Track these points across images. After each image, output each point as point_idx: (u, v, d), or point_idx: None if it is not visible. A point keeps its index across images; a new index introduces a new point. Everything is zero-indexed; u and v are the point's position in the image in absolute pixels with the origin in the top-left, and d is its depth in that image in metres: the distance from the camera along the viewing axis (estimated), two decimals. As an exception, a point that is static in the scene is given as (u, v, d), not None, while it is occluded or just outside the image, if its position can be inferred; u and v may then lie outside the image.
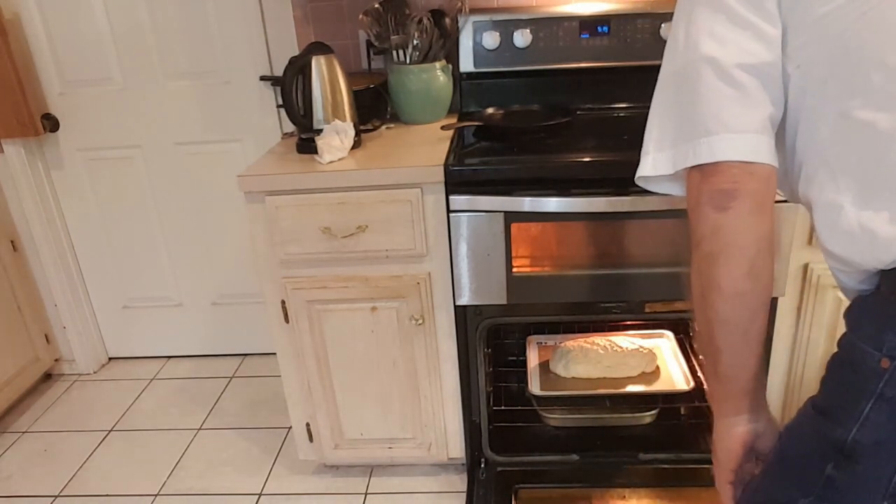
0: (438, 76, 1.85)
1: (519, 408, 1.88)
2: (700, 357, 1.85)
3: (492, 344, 1.93)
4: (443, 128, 1.74)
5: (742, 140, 0.75)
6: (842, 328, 0.75)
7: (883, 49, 0.69)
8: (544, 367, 1.87)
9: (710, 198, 0.76)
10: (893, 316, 0.69)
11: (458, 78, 1.92)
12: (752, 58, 0.75)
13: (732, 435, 0.83)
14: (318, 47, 1.64)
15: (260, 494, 1.90)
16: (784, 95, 0.77)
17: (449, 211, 1.51)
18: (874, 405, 0.67)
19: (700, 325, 0.82)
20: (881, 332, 0.68)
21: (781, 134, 0.80)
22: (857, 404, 0.68)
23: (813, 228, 0.85)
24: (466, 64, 1.90)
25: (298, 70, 1.62)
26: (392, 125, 1.89)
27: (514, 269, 1.54)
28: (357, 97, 1.71)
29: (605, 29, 1.83)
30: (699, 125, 0.76)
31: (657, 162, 0.82)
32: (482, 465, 1.79)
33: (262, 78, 2.12)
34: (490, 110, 1.86)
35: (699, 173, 0.77)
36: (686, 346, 1.95)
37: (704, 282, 0.78)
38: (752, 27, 0.75)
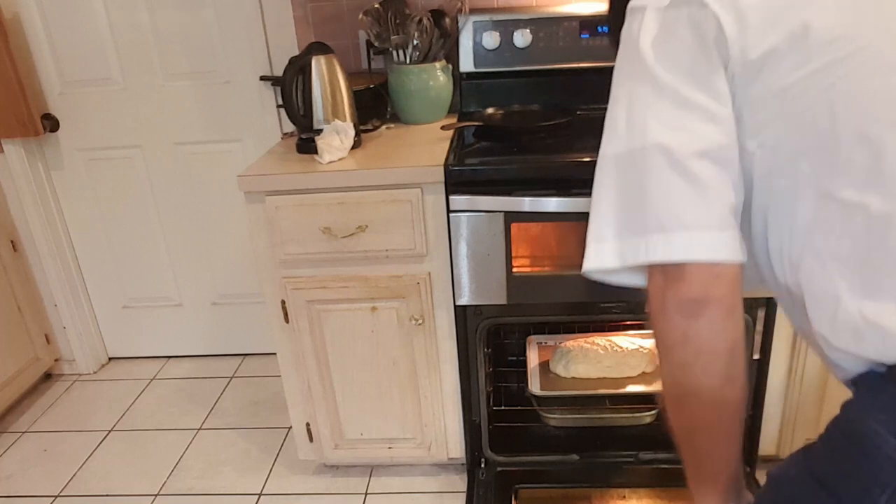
0: (438, 76, 1.85)
1: (519, 408, 1.88)
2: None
3: (492, 344, 1.93)
4: (443, 128, 1.74)
5: (703, 238, 0.68)
6: None
7: (861, 122, 0.63)
8: (544, 367, 1.87)
9: (678, 306, 0.69)
10: None
11: (458, 78, 1.92)
12: (706, 142, 0.69)
13: None
14: (318, 47, 1.64)
15: (260, 494, 1.90)
16: (745, 179, 0.71)
17: (449, 211, 1.51)
18: (890, 500, 0.60)
19: (677, 428, 0.77)
20: None
21: (746, 219, 0.73)
22: (867, 493, 0.61)
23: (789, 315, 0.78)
24: (466, 64, 1.90)
25: (298, 70, 1.62)
26: (392, 125, 1.89)
27: (514, 269, 1.54)
28: (357, 97, 1.71)
29: (606, 29, 1.83)
30: (651, 219, 0.70)
31: (601, 253, 0.74)
32: (482, 465, 1.79)
33: (262, 78, 2.12)
34: (490, 110, 1.86)
35: (661, 276, 0.70)
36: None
37: (680, 390, 0.74)
38: (701, 108, 0.69)
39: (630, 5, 0.78)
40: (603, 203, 0.75)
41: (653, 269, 0.71)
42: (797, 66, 0.66)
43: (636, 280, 0.76)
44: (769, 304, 1.56)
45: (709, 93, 0.69)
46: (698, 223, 0.68)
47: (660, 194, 0.69)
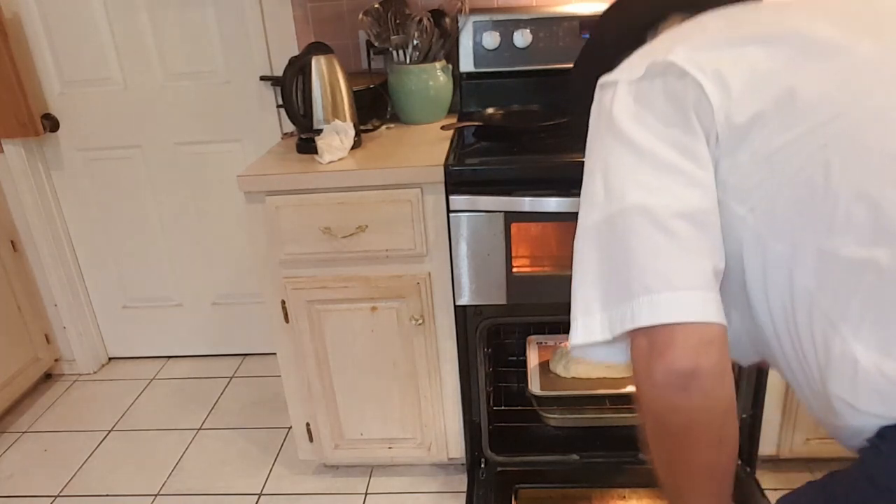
0: (438, 76, 1.85)
1: (519, 408, 1.88)
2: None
3: (492, 344, 1.93)
4: (443, 128, 1.74)
5: (690, 299, 0.65)
6: None
7: (860, 180, 0.61)
8: (544, 367, 1.87)
9: (667, 378, 0.65)
10: None
11: (458, 78, 1.92)
12: (687, 205, 0.67)
13: None
14: (318, 47, 1.64)
15: (260, 494, 1.90)
16: (734, 245, 0.69)
17: (449, 211, 1.51)
18: None
19: (666, 487, 0.75)
20: None
21: (742, 288, 0.71)
22: None
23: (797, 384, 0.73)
24: (466, 64, 1.90)
25: (298, 70, 1.62)
26: (392, 125, 1.89)
27: (514, 269, 1.54)
28: (357, 97, 1.71)
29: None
30: (635, 283, 0.66)
31: (589, 326, 0.70)
32: (482, 465, 1.79)
33: (262, 78, 2.12)
34: (490, 110, 1.86)
35: (647, 342, 0.66)
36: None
37: (671, 457, 0.71)
38: (681, 173, 0.68)
39: (600, 81, 0.77)
40: (587, 275, 0.72)
41: (638, 336, 0.67)
42: (786, 128, 0.65)
43: (615, 356, 0.72)
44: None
45: (688, 158, 0.68)
46: (684, 283, 0.65)
47: (643, 256, 0.67)
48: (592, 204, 0.73)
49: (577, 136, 0.88)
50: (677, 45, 0.72)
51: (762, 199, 0.66)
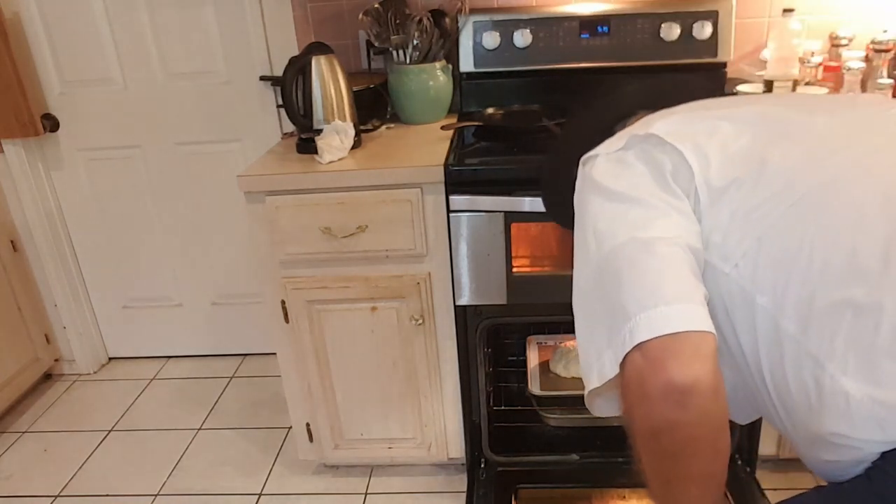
0: (438, 76, 1.85)
1: (519, 408, 1.88)
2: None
3: (492, 344, 1.92)
4: (443, 128, 1.74)
5: (682, 309, 0.66)
6: None
7: (832, 230, 0.66)
8: (544, 367, 1.87)
9: (664, 395, 0.65)
10: None
11: (458, 78, 1.92)
12: (676, 235, 0.71)
13: None
14: (318, 47, 1.64)
15: (260, 494, 1.90)
16: (717, 301, 0.72)
17: (449, 211, 1.51)
18: None
19: (658, 496, 0.75)
20: None
21: (728, 350, 0.75)
22: None
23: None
24: (466, 64, 1.90)
25: (298, 70, 1.62)
26: (392, 125, 1.89)
27: (514, 269, 1.54)
28: (357, 97, 1.71)
29: (605, 29, 1.83)
30: (630, 304, 0.68)
31: (602, 369, 0.71)
32: (482, 465, 1.79)
33: (262, 78, 2.12)
34: (490, 110, 1.86)
35: (642, 359, 0.66)
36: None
37: (666, 471, 0.72)
38: (670, 212, 0.72)
39: (582, 159, 0.83)
40: (590, 324, 0.74)
41: (632, 355, 0.67)
42: (761, 189, 0.70)
43: (615, 409, 0.74)
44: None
45: (670, 204, 0.73)
46: (677, 297, 0.67)
47: (635, 278, 0.69)
48: (587, 258, 0.76)
49: (554, 219, 1.00)
50: (655, 121, 0.79)
51: (743, 256, 0.70)
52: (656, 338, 0.65)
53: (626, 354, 0.67)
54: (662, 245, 0.70)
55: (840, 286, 0.65)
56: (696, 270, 0.71)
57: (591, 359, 0.73)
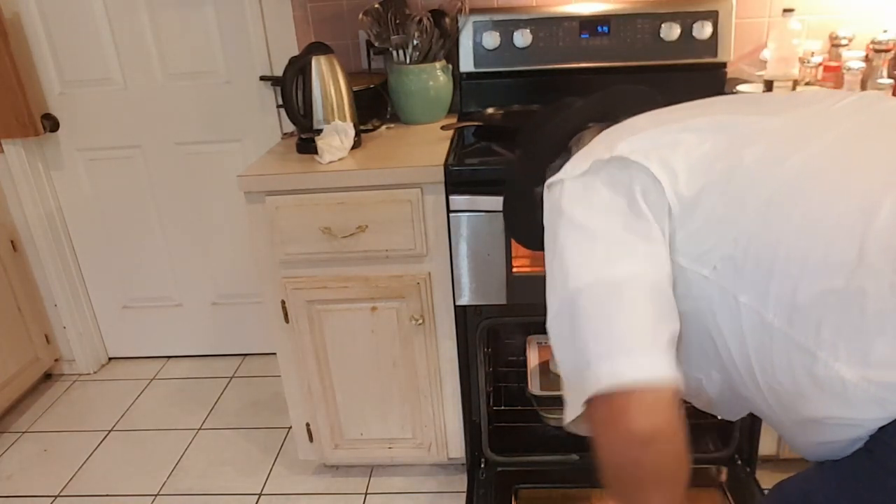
0: (438, 76, 1.85)
1: (519, 408, 1.88)
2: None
3: (492, 344, 1.92)
4: (443, 128, 1.74)
5: (643, 359, 0.69)
6: None
7: (809, 229, 0.68)
8: (544, 367, 1.87)
9: (626, 440, 0.69)
10: None
11: (458, 78, 1.92)
12: (639, 276, 0.72)
13: None
14: (318, 47, 1.64)
15: (260, 494, 1.90)
16: (699, 305, 0.74)
17: (449, 211, 1.51)
18: None
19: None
20: None
21: (715, 352, 0.76)
22: None
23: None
24: (466, 64, 1.90)
25: (298, 70, 1.62)
26: (392, 125, 1.89)
27: (514, 269, 1.54)
28: (357, 97, 1.71)
29: (605, 29, 1.83)
30: (592, 352, 0.71)
31: (569, 407, 0.75)
32: (482, 465, 1.79)
33: (262, 78, 2.12)
34: (490, 110, 1.86)
35: (605, 406, 0.70)
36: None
37: (630, 496, 0.75)
38: (634, 249, 0.74)
39: (547, 182, 0.84)
40: (564, 356, 0.77)
41: (596, 402, 0.70)
42: (729, 194, 0.72)
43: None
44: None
45: (637, 235, 0.74)
46: (639, 345, 0.70)
47: (598, 324, 0.72)
48: (554, 290, 0.78)
49: (515, 237, 1.05)
50: (617, 142, 0.79)
51: (721, 258, 0.72)
52: (618, 388, 0.68)
53: (592, 403, 0.71)
54: (627, 289, 0.72)
55: (820, 278, 0.66)
56: (664, 307, 0.73)
57: (565, 389, 0.77)
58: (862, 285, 0.64)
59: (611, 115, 0.90)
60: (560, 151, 0.91)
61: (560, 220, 0.79)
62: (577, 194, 0.79)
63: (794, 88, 1.67)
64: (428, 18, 1.80)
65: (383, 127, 1.87)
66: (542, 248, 0.84)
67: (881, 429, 0.67)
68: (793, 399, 0.71)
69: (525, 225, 0.98)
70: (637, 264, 0.73)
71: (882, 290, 0.63)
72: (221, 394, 2.38)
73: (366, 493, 1.86)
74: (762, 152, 0.73)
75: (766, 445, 1.71)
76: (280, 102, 1.83)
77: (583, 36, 1.84)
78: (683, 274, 0.75)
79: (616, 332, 0.71)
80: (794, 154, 0.72)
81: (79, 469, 2.06)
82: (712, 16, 1.79)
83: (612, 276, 0.73)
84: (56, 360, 2.54)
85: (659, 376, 0.69)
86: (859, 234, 0.65)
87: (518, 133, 1.08)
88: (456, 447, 1.81)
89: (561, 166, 0.85)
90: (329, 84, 1.63)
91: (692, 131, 0.78)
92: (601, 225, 0.76)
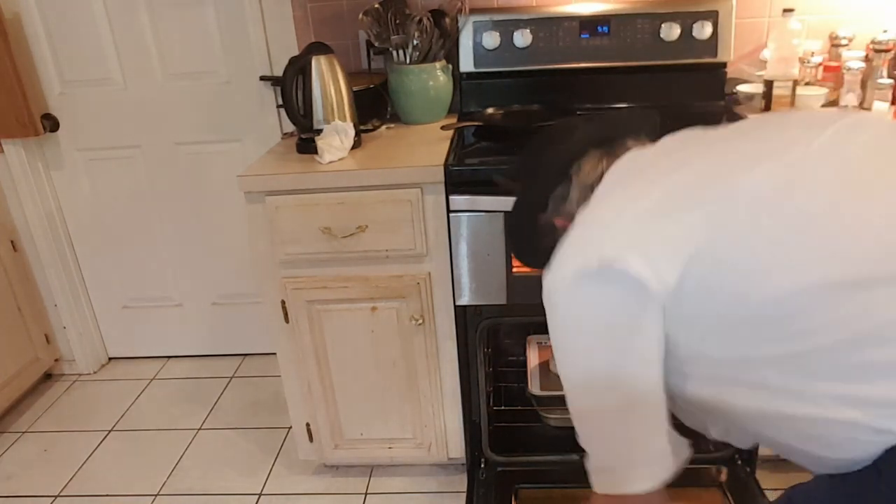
0: (438, 76, 1.85)
1: (519, 408, 1.88)
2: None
3: (492, 344, 1.92)
4: (443, 128, 1.74)
5: (653, 471, 0.82)
6: None
7: (792, 282, 0.70)
8: (544, 367, 1.87)
9: (621, 500, 0.84)
10: None
11: (458, 78, 1.92)
12: (653, 375, 0.80)
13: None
14: (318, 47, 1.64)
15: (260, 494, 1.90)
16: (701, 368, 0.80)
17: (449, 211, 1.51)
18: None
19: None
20: None
21: (730, 394, 0.80)
22: None
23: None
24: (466, 64, 1.90)
25: (298, 70, 1.62)
26: (392, 125, 1.89)
27: (514, 269, 1.54)
28: (357, 97, 1.71)
29: (605, 29, 1.83)
30: (611, 458, 0.89)
31: (594, 482, 0.92)
32: (482, 465, 1.79)
33: (262, 78, 2.12)
34: (490, 110, 1.86)
35: (615, 499, 0.85)
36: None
37: None
38: (643, 346, 0.79)
39: (544, 282, 0.85)
40: (590, 424, 0.94)
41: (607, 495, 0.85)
42: (713, 271, 0.73)
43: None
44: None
45: (644, 321, 0.77)
46: (650, 459, 0.82)
47: (613, 442, 0.86)
48: (566, 369, 0.90)
49: (520, 259, 1.14)
50: (606, 234, 0.79)
51: (714, 332, 0.76)
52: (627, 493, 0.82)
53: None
54: (640, 407, 0.81)
55: (806, 335, 0.70)
56: (658, 420, 0.82)
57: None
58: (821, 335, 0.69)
59: (609, 141, 0.93)
60: (561, 180, 0.93)
61: (560, 328, 0.85)
62: (574, 310, 0.82)
63: (793, 89, 1.67)
64: (428, 18, 1.80)
65: (383, 127, 1.87)
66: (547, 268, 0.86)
67: (888, 452, 0.69)
68: (806, 444, 0.77)
69: (530, 248, 1.02)
70: (645, 367, 0.79)
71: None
72: (221, 394, 2.38)
73: (366, 494, 1.86)
74: (748, 228, 0.73)
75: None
76: (280, 102, 1.83)
77: (583, 36, 1.84)
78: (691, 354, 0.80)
79: (631, 449, 0.83)
80: (780, 211, 0.72)
81: (79, 469, 2.06)
82: (712, 16, 1.79)
83: (624, 388, 0.80)
84: (56, 360, 2.54)
85: (665, 478, 0.81)
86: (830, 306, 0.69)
87: (518, 159, 1.09)
88: (456, 447, 1.81)
89: (563, 195, 0.91)
90: (329, 84, 1.63)
91: (685, 212, 0.76)
92: (607, 326, 0.80)
